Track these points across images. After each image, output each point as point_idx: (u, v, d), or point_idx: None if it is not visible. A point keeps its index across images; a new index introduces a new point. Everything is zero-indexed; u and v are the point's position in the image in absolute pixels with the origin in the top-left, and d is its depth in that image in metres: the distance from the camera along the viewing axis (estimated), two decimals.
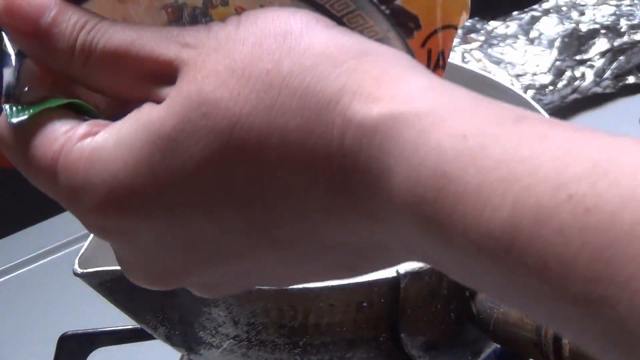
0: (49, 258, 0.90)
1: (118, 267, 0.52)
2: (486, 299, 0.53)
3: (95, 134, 0.31)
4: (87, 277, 0.52)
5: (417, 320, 0.53)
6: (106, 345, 0.66)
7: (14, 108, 0.32)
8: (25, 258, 0.90)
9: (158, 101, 0.30)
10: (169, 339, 0.55)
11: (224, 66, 0.29)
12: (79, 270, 0.51)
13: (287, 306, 0.51)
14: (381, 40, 0.33)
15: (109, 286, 0.52)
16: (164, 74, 0.30)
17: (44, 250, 0.91)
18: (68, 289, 0.78)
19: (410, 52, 0.33)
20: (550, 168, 0.24)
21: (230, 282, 0.33)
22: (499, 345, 0.59)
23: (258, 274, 0.33)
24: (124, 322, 0.61)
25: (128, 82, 0.31)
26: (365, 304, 0.51)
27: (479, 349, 0.58)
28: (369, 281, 0.52)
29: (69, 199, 0.32)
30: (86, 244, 0.53)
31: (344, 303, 0.51)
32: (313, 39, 0.29)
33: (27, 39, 0.32)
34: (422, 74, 0.29)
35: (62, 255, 0.89)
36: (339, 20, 0.32)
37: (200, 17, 0.33)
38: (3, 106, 0.33)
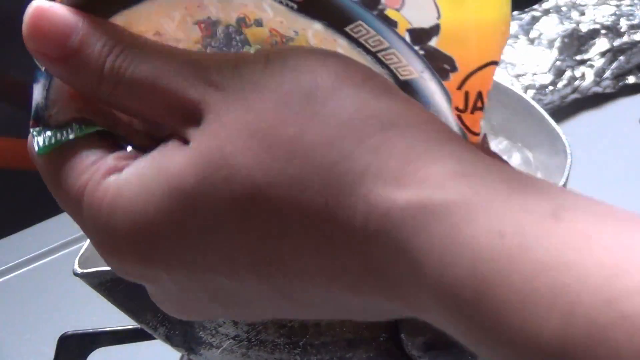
0: (49, 258, 0.90)
1: None
2: None
3: (120, 169, 0.30)
4: (87, 277, 0.52)
5: (417, 320, 0.53)
6: (106, 345, 0.66)
7: (42, 136, 0.31)
8: (25, 258, 0.90)
9: (182, 139, 0.30)
10: (169, 339, 0.55)
11: (247, 125, 0.28)
12: (79, 270, 0.51)
13: None
14: (416, 80, 0.31)
15: (109, 286, 0.52)
16: (189, 113, 0.29)
17: (44, 250, 0.91)
18: (68, 289, 0.78)
19: (446, 94, 0.32)
20: (599, 278, 0.23)
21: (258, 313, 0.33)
22: None
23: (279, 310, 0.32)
24: (124, 322, 0.61)
25: (155, 112, 0.31)
26: None
27: None
28: None
29: (92, 236, 0.32)
30: (86, 244, 0.53)
31: None
32: (339, 102, 0.28)
33: (53, 63, 0.31)
34: (453, 151, 0.27)
35: (62, 255, 0.89)
36: (374, 55, 0.31)
37: (234, 34, 0.32)
38: (31, 130, 0.32)
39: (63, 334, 0.66)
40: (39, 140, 0.32)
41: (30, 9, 0.31)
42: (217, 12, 0.31)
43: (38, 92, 0.32)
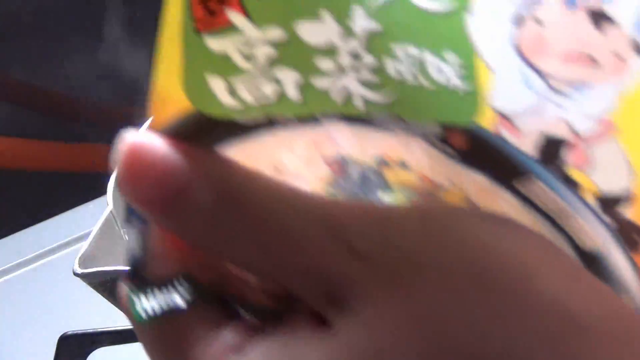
0: (49, 258, 0.90)
1: (118, 267, 0.53)
2: None
3: (240, 350, 0.25)
4: (87, 277, 0.52)
5: None
6: (106, 345, 0.66)
7: (141, 298, 0.26)
8: (25, 258, 0.90)
9: (315, 318, 0.24)
10: None
11: (410, 317, 0.22)
12: (79, 270, 0.51)
13: None
14: (599, 251, 0.27)
15: (109, 286, 0.52)
16: (325, 287, 0.24)
17: (44, 250, 0.91)
18: (68, 289, 0.78)
19: (634, 267, 0.28)
20: None
21: None
22: None
23: None
24: (124, 322, 0.61)
25: (277, 275, 0.25)
26: None
27: None
28: None
29: None
30: (86, 244, 0.53)
31: None
32: (534, 299, 0.22)
33: (152, 209, 0.25)
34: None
35: (62, 255, 0.89)
36: (547, 216, 0.27)
37: (370, 175, 0.27)
38: (125, 287, 0.27)
39: (63, 334, 0.66)
40: (136, 303, 0.26)
41: (124, 145, 0.25)
42: (351, 149, 0.27)
43: (134, 241, 0.27)
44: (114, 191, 0.58)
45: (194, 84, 0.25)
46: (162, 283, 0.26)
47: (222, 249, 0.25)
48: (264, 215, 0.24)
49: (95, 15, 1.07)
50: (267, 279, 0.26)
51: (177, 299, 0.26)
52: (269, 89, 0.25)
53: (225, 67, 0.25)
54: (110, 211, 0.56)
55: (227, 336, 0.25)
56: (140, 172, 0.25)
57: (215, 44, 0.25)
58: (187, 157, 0.25)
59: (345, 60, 0.25)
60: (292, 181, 0.26)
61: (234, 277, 0.27)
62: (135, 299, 0.26)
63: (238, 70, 0.25)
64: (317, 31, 0.24)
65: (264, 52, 0.25)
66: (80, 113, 1.17)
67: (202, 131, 0.26)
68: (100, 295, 0.53)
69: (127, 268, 0.27)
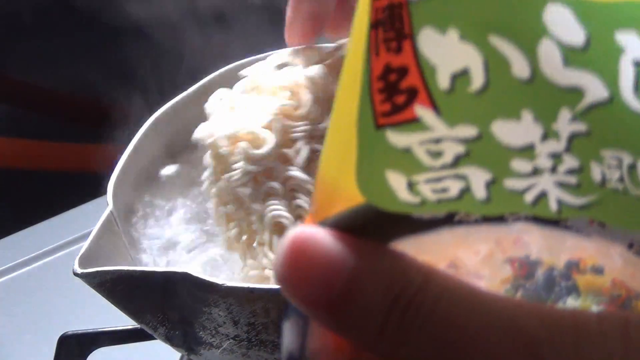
0: (49, 258, 0.90)
1: (118, 267, 0.53)
2: None
3: None
4: (87, 277, 0.52)
5: None
6: (106, 345, 0.66)
7: None
8: (25, 258, 0.90)
9: None
10: (169, 339, 0.55)
11: None
12: (79, 270, 0.51)
13: None
14: None
15: (109, 286, 0.52)
16: None
17: (44, 250, 0.91)
18: (68, 289, 0.78)
19: None
20: None
21: None
22: None
23: None
24: (124, 322, 0.61)
25: None
26: None
27: None
28: None
29: None
30: (86, 244, 0.53)
31: None
32: None
33: (315, 309, 0.23)
34: None
35: (62, 255, 0.89)
36: None
37: (559, 279, 0.26)
38: None
39: (63, 334, 0.66)
40: None
41: (289, 239, 0.23)
42: (540, 252, 0.26)
43: (291, 338, 0.25)
44: (114, 191, 0.58)
45: (370, 178, 0.23)
46: None
47: (393, 352, 0.23)
48: (447, 321, 0.22)
49: (95, 15, 1.07)
50: None
51: None
52: (453, 187, 0.23)
53: (407, 163, 0.23)
54: (110, 211, 0.56)
55: None
56: (303, 268, 0.23)
57: (398, 139, 0.23)
58: (356, 252, 0.23)
59: (543, 162, 0.23)
60: (470, 280, 0.24)
61: None
62: None
63: (421, 166, 0.23)
64: (515, 131, 0.23)
65: (452, 149, 0.23)
66: (81, 113, 1.17)
67: (373, 226, 0.24)
68: (100, 295, 0.53)
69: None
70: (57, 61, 1.10)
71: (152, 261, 0.59)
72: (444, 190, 0.23)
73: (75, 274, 0.52)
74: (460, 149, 0.23)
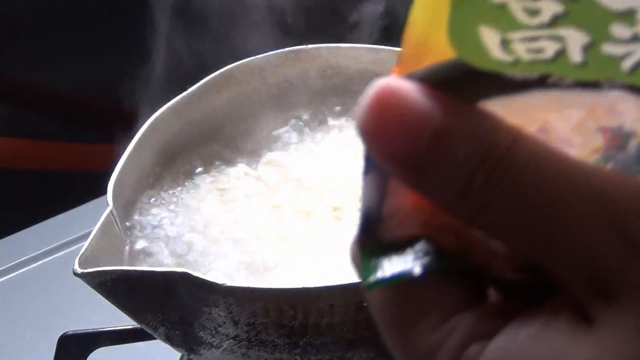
0: (49, 258, 0.90)
1: (118, 267, 0.53)
2: None
3: (486, 337, 0.22)
4: (87, 277, 0.52)
5: None
6: (106, 345, 0.66)
7: (374, 260, 0.24)
8: (25, 258, 0.90)
9: (577, 308, 0.22)
10: (169, 339, 0.55)
11: None
12: (79, 270, 0.51)
13: (287, 306, 0.51)
14: None
15: (109, 286, 0.52)
16: (595, 279, 0.21)
17: (44, 250, 0.91)
18: (68, 289, 0.78)
19: None
20: None
21: None
22: None
23: None
24: (124, 322, 0.61)
25: (539, 256, 0.22)
26: (365, 304, 0.51)
27: None
28: None
29: None
30: (86, 244, 0.53)
31: (344, 303, 0.51)
32: None
33: (397, 164, 0.22)
34: None
35: (62, 255, 0.89)
36: None
37: None
38: (358, 244, 0.24)
39: (63, 334, 0.66)
40: (368, 266, 0.24)
41: (374, 90, 0.22)
42: (634, 123, 0.24)
43: (370, 194, 0.24)
44: (114, 191, 0.58)
45: (462, 32, 0.22)
46: (398, 244, 0.24)
47: (474, 214, 0.22)
48: (534, 185, 0.21)
49: (96, 15, 1.07)
50: (525, 254, 0.23)
51: (414, 264, 0.23)
52: (549, 48, 0.22)
53: (502, 19, 0.22)
54: (110, 211, 0.56)
55: (469, 321, 0.22)
56: (387, 120, 0.22)
57: None
58: (444, 108, 0.22)
59: None
60: (559, 146, 0.23)
61: (479, 246, 0.24)
62: (366, 258, 0.24)
63: (516, 24, 0.22)
64: None
65: (550, 8, 0.22)
66: (80, 113, 1.17)
67: (463, 83, 0.23)
68: (100, 295, 0.53)
69: (360, 224, 0.24)
70: (57, 61, 1.10)
71: (152, 261, 0.59)
72: (539, 50, 0.22)
73: (75, 274, 0.52)
74: (558, 8, 0.22)
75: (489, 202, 0.22)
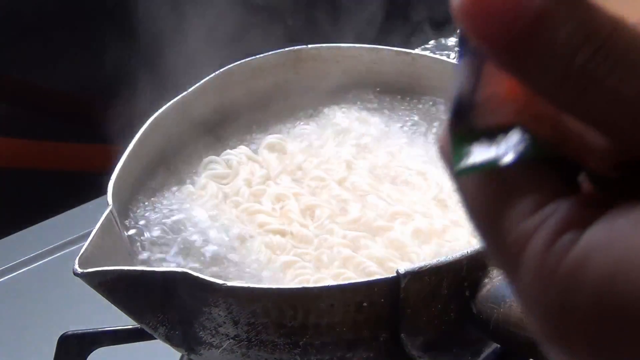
0: (49, 258, 0.90)
1: (118, 267, 0.53)
2: (486, 299, 0.53)
3: (582, 226, 0.22)
4: (87, 277, 0.52)
5: (417, 320, 0.53)
6: (106, 345, 0.66)
7: (465, 146, 0.23)
8: (25, 258, 0.90)
9: None
10: (169, 339, 0.55)
11: None
12: (79, 270, 0.51)
13: (287, 306, 0.51)
14: None
15: (109, 286, 0.52)
16: None
17: (44, 250, 0.91)
18: (68, 289, 0.78)
19: None
20: None
21: None
22: (499, 345, 0.59)
23: None
24: (124, 322, 0.61)
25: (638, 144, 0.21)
26: (365, 304, 0.51)
27: (478, 349, 0.58)
28: (369, 281, 0.52)
29: (530, 307, 0.23)
30: (86, 244, 0.53)
31: (344, 303, 0.51)
32: None
33: (494, 45, 0.22)
34: None
35: (62, 255, 0.89)
36: None
37: None
38: (450, 132, 0.23)
39: (63, 334, 0.66)
40: (460, 152, 0.23)
41: None
42: None
43: (463, 79, 0.23)
44: (114, 191, 0.58)
45: None
46: (490, 131, 0.23)
47: (574, 99, 0.21)
48: (634, 70, 0.21)
49: (96, 15, 1.07)
50: (623, 144, 0.22)
51: (507, 151, 0.23)
52: None
53: None
54: (110, 211, 0.56)
55: (565, 209, 0.22)
56: (484, 5, 0.21)
57: None
58: None
59: None
60: None
61: (575, 136, 0.23)
62: (457, 144, 0.23)
63: None
64: None
65: None
66: (81, 113, 1.17)
67: None
68: (100, 295, 0.53)
69: (452, 109, 0.23)
70: (57, 61, 1.10)
71: (152, 261, 0.59)
72: None
73: (75, 274, 0.52)
74: None
75: (588, 87, 0.21)
